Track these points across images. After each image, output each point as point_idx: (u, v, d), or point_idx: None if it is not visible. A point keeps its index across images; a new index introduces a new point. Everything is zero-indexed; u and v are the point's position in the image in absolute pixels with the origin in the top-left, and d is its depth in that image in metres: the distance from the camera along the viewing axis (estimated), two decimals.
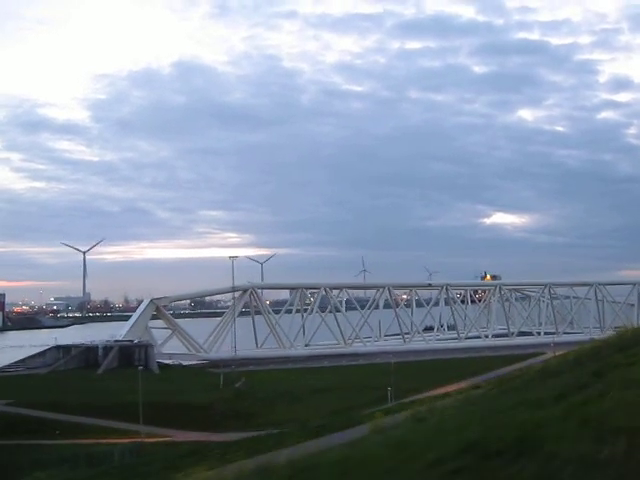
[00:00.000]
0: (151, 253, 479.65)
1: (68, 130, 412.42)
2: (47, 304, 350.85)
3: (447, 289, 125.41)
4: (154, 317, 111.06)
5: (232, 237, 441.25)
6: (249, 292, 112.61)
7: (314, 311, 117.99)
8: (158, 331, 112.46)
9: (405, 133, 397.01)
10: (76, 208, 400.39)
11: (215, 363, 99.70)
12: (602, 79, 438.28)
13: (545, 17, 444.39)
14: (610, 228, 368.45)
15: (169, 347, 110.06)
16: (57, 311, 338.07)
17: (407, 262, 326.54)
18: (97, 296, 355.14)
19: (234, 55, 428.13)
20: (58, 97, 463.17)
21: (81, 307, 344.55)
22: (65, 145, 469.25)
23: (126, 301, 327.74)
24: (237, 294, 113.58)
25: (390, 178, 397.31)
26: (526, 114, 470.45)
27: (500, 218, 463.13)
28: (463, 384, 79.72)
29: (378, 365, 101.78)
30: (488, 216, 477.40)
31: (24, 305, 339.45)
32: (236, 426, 57.04)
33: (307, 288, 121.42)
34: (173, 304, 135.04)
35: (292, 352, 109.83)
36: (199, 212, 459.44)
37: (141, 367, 65.51)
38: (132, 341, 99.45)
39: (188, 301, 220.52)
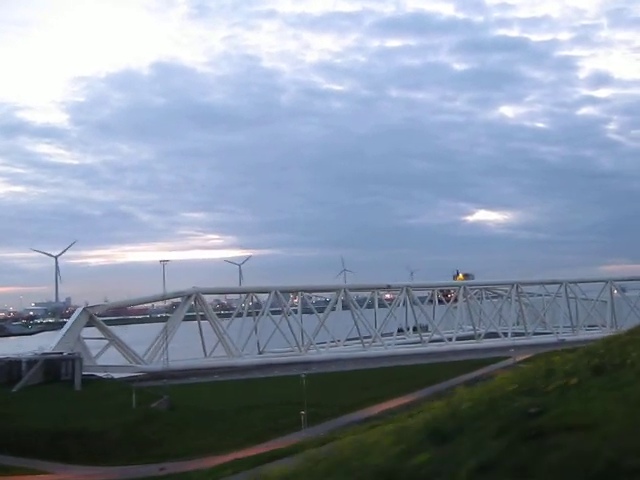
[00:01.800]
0: (133, 256, 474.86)
1: (47, 133, 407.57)
2: (26, 309, 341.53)
3: (408, 290, 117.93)
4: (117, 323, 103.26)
5: (214, 239, 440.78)
6: (193, 297, 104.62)
7: (264, 314, 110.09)
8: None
9: (386, 132, 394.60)
10: (56, 212, 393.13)
11: (154, 375, 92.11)
12: (582, 75, 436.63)
13: (524, 14, 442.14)
14: (592, 224, 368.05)
15: (109, 358, 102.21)
16: (33, 317, 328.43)
17: (390, 261, 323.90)
18: (78, 301, 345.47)
19: (213, 55, 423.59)
20: (36, 100, 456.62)
21: (56, 313, 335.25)
22: (44, 148, 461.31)
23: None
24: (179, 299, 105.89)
25: (372, 177, 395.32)
26: (507, 111, 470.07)
27: (482, 215, 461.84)
28: (411, 397, 72.89)
29: (330, 375, 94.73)
30: (470, 214, 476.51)
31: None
32: (130, 457, 49.40)
33: (258, 292, 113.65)
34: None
35: (239, 361, 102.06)
36: (181, 214, 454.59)
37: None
38: (61, 353, 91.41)
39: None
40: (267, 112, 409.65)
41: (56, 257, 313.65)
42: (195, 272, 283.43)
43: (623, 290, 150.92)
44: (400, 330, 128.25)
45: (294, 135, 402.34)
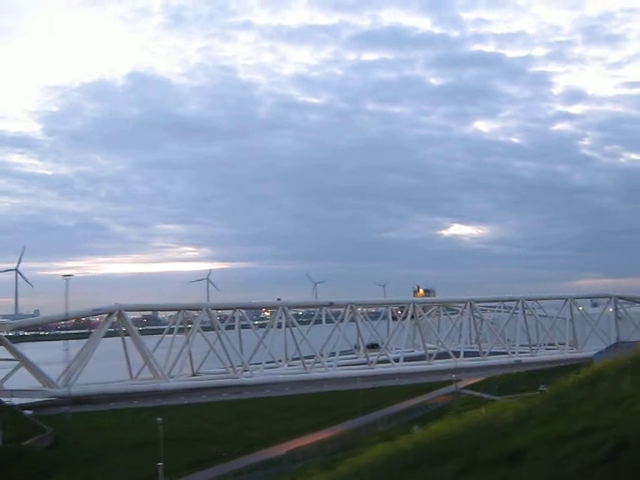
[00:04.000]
0: (107, 268, 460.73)
1: (19, 143, 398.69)
2: None
3: (352, 307, 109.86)
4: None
5: (189, 251, 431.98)
6: (115, 314, 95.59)
7: (194, 332, 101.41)
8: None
9: (363, 145, 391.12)
10: (29, 223, 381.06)
11: (68, 400, 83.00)
12: (556, 91, 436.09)
13: (500, 29, 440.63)
14: (566, 239, 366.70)
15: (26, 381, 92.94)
16: None
17: (366, 274, 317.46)
18: (48, 313, 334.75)
19: (189, 66, 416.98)
20: (8, 109, 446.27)
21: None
22: (17, 158, 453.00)
23: (78, 320, 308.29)
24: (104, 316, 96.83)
25: (348, 190, 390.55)
26: (482, 126, 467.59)
27: (458, 230, 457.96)
28: (334, 430, 64.84)
29: (259, 401, 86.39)
30: (446, 228, 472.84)
31: None
32: None
33: (189, 309, 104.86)
34: None
35: (163, 385, 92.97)
36: (156, 226, 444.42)
37: None
38: None
39: None
40: (243, 124, 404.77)
41: (16, 269, 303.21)
42: (169, 284, 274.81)
43: (595, 306, 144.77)
44: (357, 347, 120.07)
45: (270, 148, 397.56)
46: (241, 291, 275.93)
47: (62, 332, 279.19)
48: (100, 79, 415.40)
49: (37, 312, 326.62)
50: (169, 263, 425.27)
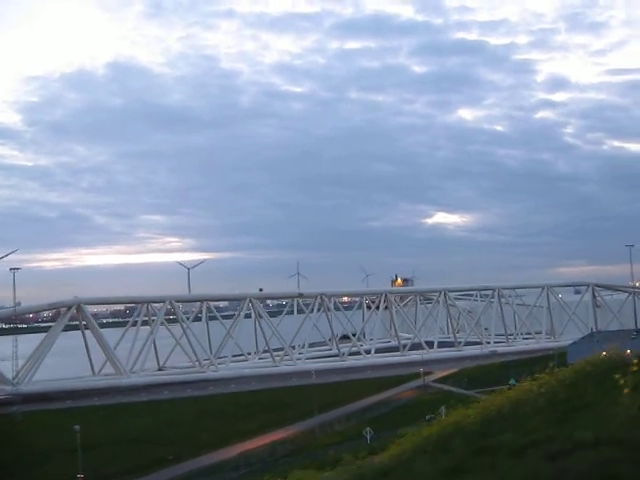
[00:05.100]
0: (90, 260, 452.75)
1: None
2: None
3: (322, 298, 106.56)
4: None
5: (173, 241, 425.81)
6: (73, 308, 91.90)
7: (157, 325, 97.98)
8: None
9: (346, 134, 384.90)
10: (11, 215, 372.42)
11: (26, 397, 79.53)
12: (539, 79, 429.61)
13: (483, 17, 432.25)
14: (550, 226, 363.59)
15: None
16: None
17: (350, 263, 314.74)
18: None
19: (170, 56, 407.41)
20: None
21: None
22: None
23: (57, 311, 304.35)
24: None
25: (332, 179, 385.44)
26: (466, 114, 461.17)
27: (442, 218, 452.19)
28: (289, 430, 61.85)
29: (220, 397, 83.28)
30: (430, 216, 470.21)
31: None
32: None
33: (152, 302, 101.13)
34: None
35: (123, 381, 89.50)
36: (139, 217, 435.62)
37: None
38: None
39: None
40: (226, 113, 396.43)
41: None
42: (152, 275, 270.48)
43: (577, 293, 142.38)
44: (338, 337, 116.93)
45: (253, 137, 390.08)
46: (225, 281, 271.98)
47: (43, 325, 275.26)
48: (80, 69, 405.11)
49: (18, 304, 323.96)
50: (153, 254, 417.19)
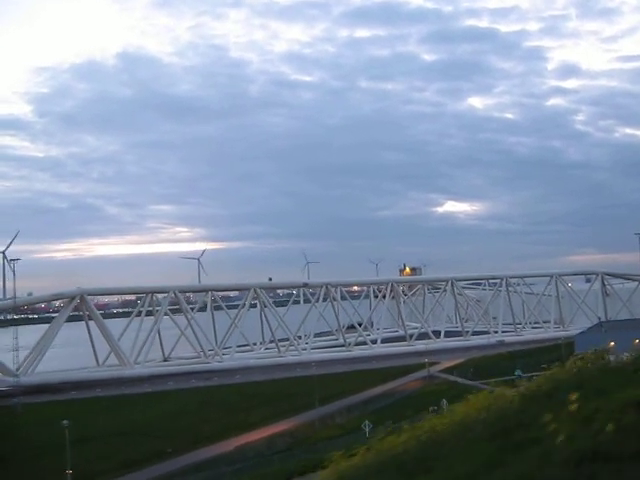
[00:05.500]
0: (101, 250, 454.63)
1: (10, 125, 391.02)
2: None
3: (328, 288, 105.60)
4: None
5: (183, 231, 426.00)
6: (77, 299, 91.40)
7: (162, 316, 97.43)
8: None
9: (356, 123, 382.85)
10: (22, 206, 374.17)
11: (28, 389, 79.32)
12: (551, 66, 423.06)
13: (494, 4, 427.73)
14: (560, 214, 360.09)
15: None
16: None
17: (360, 253, 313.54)
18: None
19: (179, 45, 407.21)
20: None
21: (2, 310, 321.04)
22: (8, 141, 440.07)
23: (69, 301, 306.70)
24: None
25: (342, 168, 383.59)
26: (476, 102, 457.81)
27: (452, 206, 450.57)
28: (290, 423, 61.06)
29: (225, 388, 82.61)
30: (440, 205, 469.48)
31: None
32: None
33: (156, 292, 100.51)
34: None
35: (127, 372, 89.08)
36: (149, 207, 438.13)
37: None
38: None
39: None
40: (235, 103, 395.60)
41: (3, 252, 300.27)
42: (163, 265, 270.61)
43: (588, 281, 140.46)
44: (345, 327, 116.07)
45: (263, 126, 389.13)
46: (235, 271, 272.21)
47: (54, 315, 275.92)
48: (90, 59, 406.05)
49: (30, 295, 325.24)
50: (163, 244, 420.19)
